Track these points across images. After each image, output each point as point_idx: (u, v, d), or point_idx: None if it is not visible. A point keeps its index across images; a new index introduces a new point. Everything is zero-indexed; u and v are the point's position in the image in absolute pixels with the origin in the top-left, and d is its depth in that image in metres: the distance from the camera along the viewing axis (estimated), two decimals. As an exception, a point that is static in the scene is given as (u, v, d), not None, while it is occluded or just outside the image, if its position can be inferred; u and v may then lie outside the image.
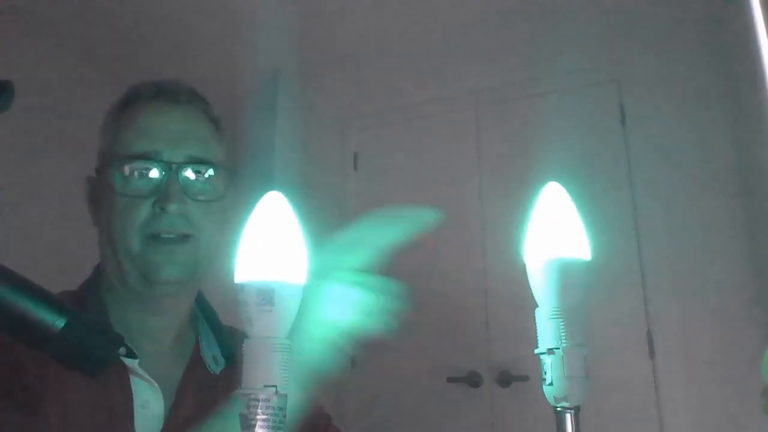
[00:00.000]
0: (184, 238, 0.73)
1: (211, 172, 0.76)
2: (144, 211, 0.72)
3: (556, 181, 0.46)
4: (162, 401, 0.71)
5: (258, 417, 0.37)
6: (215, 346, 0.80)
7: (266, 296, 0.39)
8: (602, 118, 2.28)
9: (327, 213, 2.59)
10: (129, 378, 0.69)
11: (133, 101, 0.78)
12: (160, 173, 0.73)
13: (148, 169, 0.73)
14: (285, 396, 0.38)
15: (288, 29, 2.44)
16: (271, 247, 0.40)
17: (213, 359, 0.78)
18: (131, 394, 0.69)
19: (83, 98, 2.48)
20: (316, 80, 2.86)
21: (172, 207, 0.71)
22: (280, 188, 0.42)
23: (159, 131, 0.75)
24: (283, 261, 0.40)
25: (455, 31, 2.59)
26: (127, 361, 0.68)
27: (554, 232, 0.44)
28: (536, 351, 0.43)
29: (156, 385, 0.71)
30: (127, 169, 0.73)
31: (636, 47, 2.28)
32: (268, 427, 0.37)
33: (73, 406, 0.65)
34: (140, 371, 0.69)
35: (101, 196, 0.76)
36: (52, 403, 0.64)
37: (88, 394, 0.66)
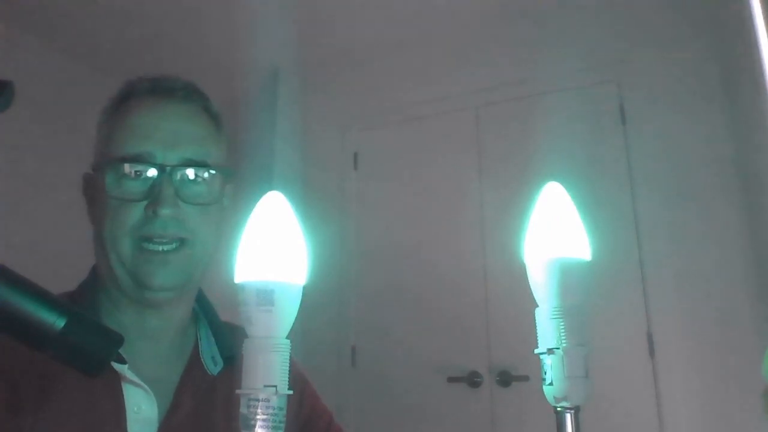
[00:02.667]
0: (179, 242, 0.70)
1: (208, 173, 0.73)
2: (135, 214, 0.69)
3: (556, 181, 0.46)
4: (155, 404, 0.69)
5: (258, 417, 0.37)
6: (214, 347, 0.78)
7: (266, 296, 0.39)
8: (602, 118, 2.28)
9: (327, 213, 2.60)
10: (120, 383, 0.67)
11: (128, 97, 0.75)
12: (154, 175, 0.70)
13: (142, 171, 0.70)
14: (285, 396, 0.38)
15: (288, 29, 2.44)
16: (271, 247, 0.40)
17: (212, 360, 0.76)
18: (122, 399, 0.67)
19: (82, 98, 2.48)
20: (316, 80, 2.86)
21: (164, 211, 0.68)
22: (280, 188, 0.42)
23: (152, 131, 0.71)
24: (283, 261, 0.40)
25: (455, 31, 2.59)
26: (116, 366, 0.65)
27: (554, 232, 0.44)
28: (536, 351, 0.43)
29: (148, 388, 0.68)
30: (119, 170, 0.70)
31: (636, 47, 2.27)
32: (268, 427, 0.37)
33: (60, 413, 0.63)
34: (130, 375, 0.67)
35: (95, 195, 0.73)
36: (38, 411, 0.62)
37: (76, 402, 0.64)
